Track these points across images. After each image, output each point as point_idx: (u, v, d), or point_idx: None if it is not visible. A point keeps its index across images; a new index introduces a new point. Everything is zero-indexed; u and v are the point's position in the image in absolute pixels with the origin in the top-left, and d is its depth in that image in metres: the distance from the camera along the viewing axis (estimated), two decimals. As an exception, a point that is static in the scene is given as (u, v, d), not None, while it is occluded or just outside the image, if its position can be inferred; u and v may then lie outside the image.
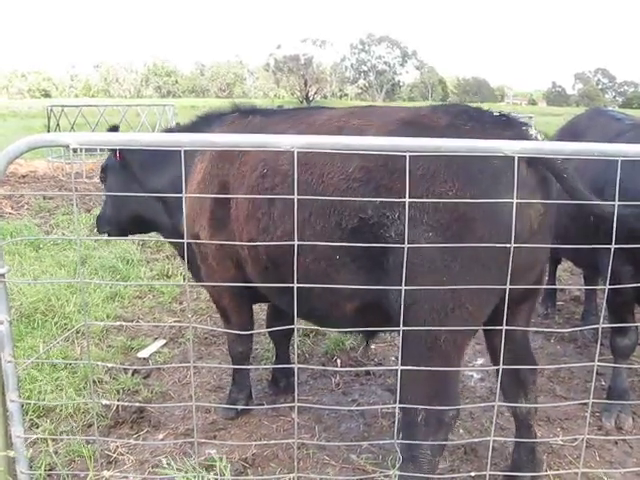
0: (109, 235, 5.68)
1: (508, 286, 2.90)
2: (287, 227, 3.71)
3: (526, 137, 3.33)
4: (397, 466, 3.51)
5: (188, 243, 4.61)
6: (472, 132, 3.25)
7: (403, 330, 3.19)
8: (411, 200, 2.86)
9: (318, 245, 3.54)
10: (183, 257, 5.23)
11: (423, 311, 3.25)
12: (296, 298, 4.01)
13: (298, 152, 3.44)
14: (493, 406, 3.27)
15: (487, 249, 3.00)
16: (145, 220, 5.24)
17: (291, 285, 3.26)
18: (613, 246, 2.78)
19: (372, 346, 6.14)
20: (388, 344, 6.19)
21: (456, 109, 3.52)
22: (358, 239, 3.35)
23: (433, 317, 3.24)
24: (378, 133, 3.47)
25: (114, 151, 5.11)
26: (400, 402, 3.38)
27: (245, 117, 4.55)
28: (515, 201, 2.68)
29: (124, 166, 5.10)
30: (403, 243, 3.13)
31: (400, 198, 3.15)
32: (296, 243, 2.79)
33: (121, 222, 5.39)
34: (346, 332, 5.28)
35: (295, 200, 2.76)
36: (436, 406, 3.32)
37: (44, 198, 13.35)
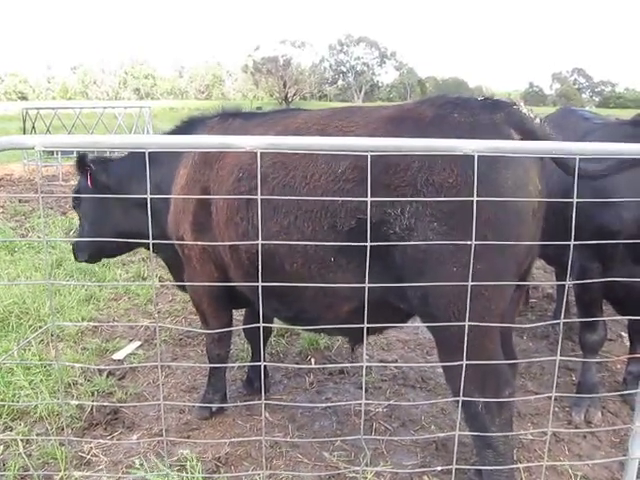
0: (90, 262, 5.65)
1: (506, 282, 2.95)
2: (270, 231, 3.69)
3: (518, 116, 3.32)
4: (475, 459, 3.53)
5: (173, 247, 4.67)
6: (461, 119, 3.27)
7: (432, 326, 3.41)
8: (373, 199, 2.89)
9: (309, 248, 3.57)
10: (166, 261, 5.35)
11: (442, 305, 3.30)
12: (282, 302, 4.08)
13: (275, 154, 3.50)
14: (463, 401, 3.31)
15: (495, 232, 3.01)
16: (133, 234, 4.90)
17: (275, 285, 3.34)
18: (572, 242, 2.84)
19: (346, 345, 6.19)
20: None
21: (440, 100, 3.49)
22: (356, 239, 3.29)
23: (453, 310, 3.27)
24: (362, 133, 3.46)
25: (85, 177, 5.06)
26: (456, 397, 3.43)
27: (225, 121, 4.56)
28: (475, 199, 2.71)
29: (97, 187, 5.05)
30: (409, 238, 3.20)
31: (400, 194, 3.21)
32: (260, 242, 2.82)
33: (104, 243, 5.23)
34: (341, 334, 5.21)
35: (259, 200, 2.80)
36: (489, 391, 3.37)
37: (20, 201, 13.27)
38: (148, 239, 4.95)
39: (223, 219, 4.07)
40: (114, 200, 5.00)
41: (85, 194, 5.16)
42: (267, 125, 4.15)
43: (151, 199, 4.57)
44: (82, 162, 5.01)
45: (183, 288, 5.23)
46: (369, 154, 2.64)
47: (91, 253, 5.47)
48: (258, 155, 2.63)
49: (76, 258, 5.54)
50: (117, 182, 5.05)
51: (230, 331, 4.90)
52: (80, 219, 5.42)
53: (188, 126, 4.87)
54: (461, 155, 2.96)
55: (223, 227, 4.09)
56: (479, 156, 2.68)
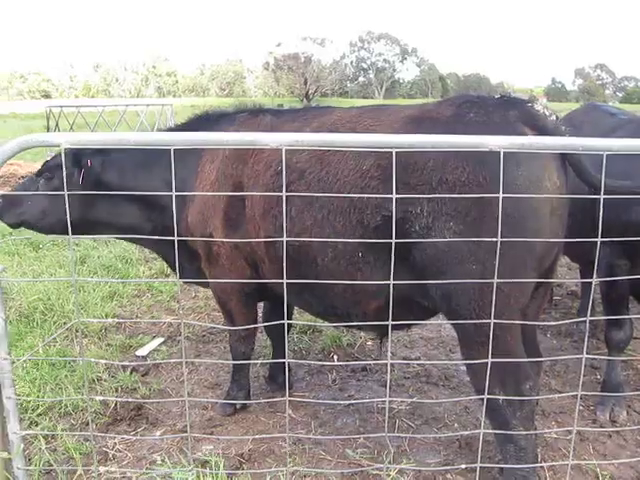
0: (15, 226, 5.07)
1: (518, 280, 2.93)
2: (305, 224, 3.78)
3: (531, 113, 3.36)
4: (500, 458, 3.64)
5: (180, 247, 4.58)
6: (476, 119, 3.34)
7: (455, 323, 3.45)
8: (398, 196, 2.89)
9: (339, 243, 3.63)
10: (170, 258, 4.98)
11: (463, 302, 3.35)
12: (313, 296, 4.12)
13: (314, 150, 3.57)
14: (488, 399, 3.31)
15: (510, 228, 3.01)
16: (107, 224, 4.89)
17: (312, 282, 3.37)
18: (599, 239, 2.81)
19: (369, 342, 6.19)
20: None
21: (461, 100, 3.56)
22: (382, 236, 3.40)
23: (473, 306, 3.33)
24: (385, 131, 3.55)
25: (81, 168, 4.67)
26: (478, 393, 3.51)
27: (255, 116, 4.55)
28: (501, 195, 2.70)
29: (87, 182, 4.72)
30: (427, 237, 3.26)
31: (419, 192, 3.26)
32: (285, 239, 2.83)
33: (58, 222, 4.76)
34: (368, 330, 5.23)
35: (284, 197, 2.81)
36: (510, 385, 3.42)
37: (44, 198, 13.36)
38: (132, 233, 4.84)
39: (260, 212, 4.09)
40: (98, 187, 4.67)
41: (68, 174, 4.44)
42: (301, 121, 4.19)
43: (157, 195, 4.56)
44: (78, 158, 4.69)
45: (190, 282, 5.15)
46: (394, 150, 2.65)
47: (40, 223, 4.90)
48: (283, 152, 2.64)
49: (8, 220, 4.93)
50: (119, 169, 4.80)
51: (256, 328, 4.90)
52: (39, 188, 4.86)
53: (204, 121, 4.79)
54: (473, 154, 3.03)
55: (260, 220, 4.10)
56: (492, 153, 2.70)
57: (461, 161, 3.21)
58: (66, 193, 2.78)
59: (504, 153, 2.81)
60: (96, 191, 4.54)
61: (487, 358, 3.16)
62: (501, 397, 3.36)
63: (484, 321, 3.13)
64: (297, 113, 4.50)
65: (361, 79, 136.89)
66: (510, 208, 3.12)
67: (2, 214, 4.91)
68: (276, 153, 4.00)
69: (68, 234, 5.14)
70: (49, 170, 4.90)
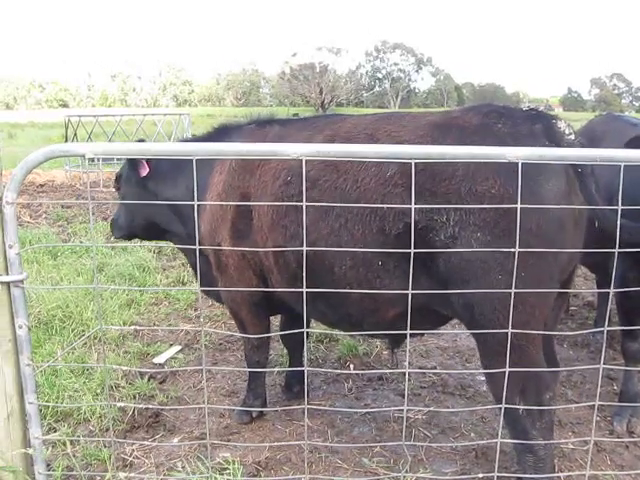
0: (124, 239, 5.78)
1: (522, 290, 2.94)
2: (321, 233, 3.74)
3: (554, 129, 3.35)
4: (516, 468, 3.67)
5: (201, 255, 4.65)
6: (504, 129, 3.33)
7: (476, 332, 3.45)
8: (417, 206, 2.92)
9: (358, 251, 3.59)
10: (193, 266, 5.24)
11: (487, 311, 3.34)
12: (327, 306, 4.09)
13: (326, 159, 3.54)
14: (504, 409, 3.32)
15: (538, 239, 3.02)
16: (159, 229, 5.27)
17: (326, 291, 3.45)
18: (616, 250, 2.82)
19: (385, 351, 6.20)
20: (401, 349, 6.22)
21: (487, 109, 3.54)
22: (404, 245, 3.32)
23: (497, 316, 3.30)
24: (410, 138, 3.52)
25: (139, 166, 5.03)
26: (498, 402, 3.48)
27: (263, 127, 4.56)
28: (519, 206, 2.72)
29: (140, 179, 5.10)
30: (453, 247, 3.24)
31: (445, 201, 3.25)
32: (305, 249, 2.85)
33: (134, 229, 5.44)
34: (382, 337, 5.22)
35: (304, 207, 2.84)
36: (530, 395, 3.43)
37: (62, 207, 13.50)
38: (171, 236, 5.19)
39: (268, 223, 4.07)
40: (147, 192, 5.11)
41: (127, 180, 5.28)
42: (312, 129, 4.17)
43: (179, 203, 4.71)
44: (134, 162, 5.06)
45: (207, 293, 5.26)
46: (413, 161, 2.67)
47: (125, 233, 5.58)
48: (303, 162, 2.67)
49: (113, 233, 5.73)
50: (154, 176, 5.08)
51: (269, 337, 4.94)
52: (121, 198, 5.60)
53: (220, 133, 4.87)
54: (505, 165, 3.01)
55: (267, 231, 4.08)
56: (525, 166, 2.71)
57: (492, 173, 3.19)
58: (90, 203, 2.83)
59: (537, 167, 2.82)
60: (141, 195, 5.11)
61: (507, 368, 3.17)
62: (520, 407, 3.36)
63: (504, 331, 3.12)
64: (307, 122, 4.48)
65: (377, 89, 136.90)
66: (539, 220, 3.14)
67: (114, 232, 5.71)
68: (284, 163, 3.97)
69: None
70: (116, 182, 5.54)
